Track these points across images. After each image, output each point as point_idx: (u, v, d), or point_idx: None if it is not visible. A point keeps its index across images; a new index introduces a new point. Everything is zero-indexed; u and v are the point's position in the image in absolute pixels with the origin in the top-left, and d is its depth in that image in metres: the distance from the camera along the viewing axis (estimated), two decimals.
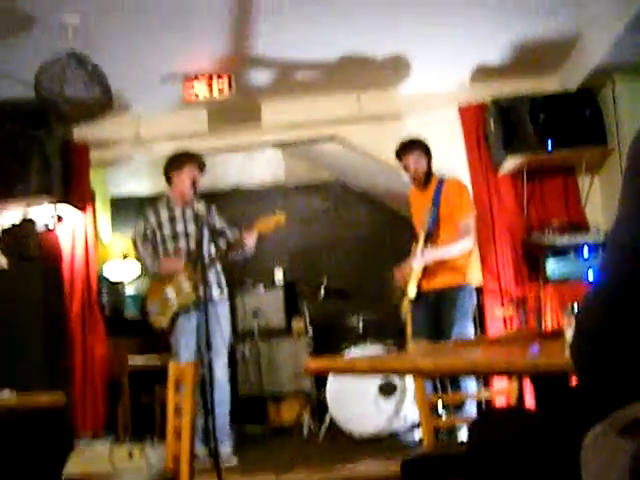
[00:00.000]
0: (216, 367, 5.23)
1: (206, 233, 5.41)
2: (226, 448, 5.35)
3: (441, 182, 5.35)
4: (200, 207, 5.48)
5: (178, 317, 5.44)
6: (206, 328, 5.06)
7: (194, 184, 5.45)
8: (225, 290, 5.60)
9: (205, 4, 4.68)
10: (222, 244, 5.60)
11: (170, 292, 5.47)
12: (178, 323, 5.44)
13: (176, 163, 5.59)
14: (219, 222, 5.65)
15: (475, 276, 5.34)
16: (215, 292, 5.49)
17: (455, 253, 5.18)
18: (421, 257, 5.16)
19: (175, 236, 5.53)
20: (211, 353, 5.01)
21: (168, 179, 5.63)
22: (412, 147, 5.37)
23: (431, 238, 5.23)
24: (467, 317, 5.21)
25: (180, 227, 5.54)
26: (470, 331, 5.22)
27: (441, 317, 5.22)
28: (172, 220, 5.55)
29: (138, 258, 5.63)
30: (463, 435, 4.99)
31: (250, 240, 5.44)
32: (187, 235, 5.52)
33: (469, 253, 5.25)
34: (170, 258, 5.49)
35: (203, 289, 5.13)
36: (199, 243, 5.30)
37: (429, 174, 5.39)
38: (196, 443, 5.11)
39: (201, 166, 5.58)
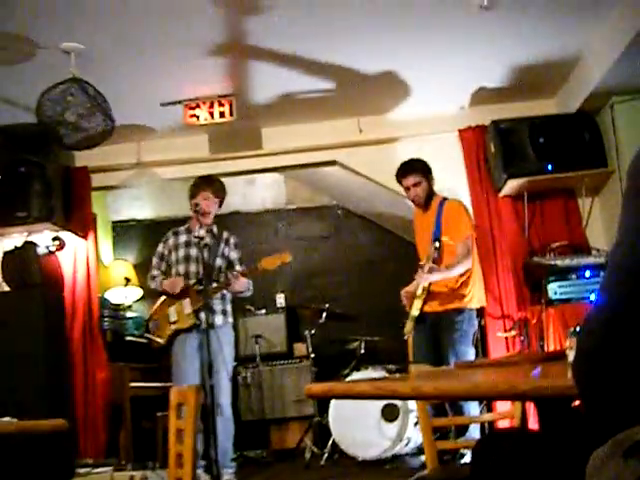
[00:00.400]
0: (219, 393, 5.25)
1: (218, 261, 5.52)
2: (229, 475, 5.32)
3: (442, 203, 5.36)
4: (207, 236, 5.48)
5: (177, 339, 5.45)
6: (208, 353, 5.08)
7: (196, 209, 5.50)
8: (230, 318, 5.60)
9: (206, 32, 4.72)
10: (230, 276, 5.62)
11: (172, 313, 5.49)
12: (178, 345, 5.44)
13: (193, 190, 5.65)
14: (233, 254, 5.67)
15: (477, 298, 5.30)
16: (218, 318, 5.48)
17: (454, 275, 5.19)
18: (428, 275, 5.13)
19: (187, 259, 5.57)
20: (212, 379, 5.01)
21: (191, 208, 5.69)
22: (410, 170, 5.37)
23: (435, 260, 5.22)
24: (466, 340, 5.18)
25: (194, 251, 5.57)
26: (470, 354, 5.19)
27: (440, 340, 5.21)
28: (188, 244, 5.61)
29: (151, 276, 5.67)
30: (467, 460, 4.98)
31: (236, 285, 5.43)
32: (198, 260, 5.54)
33: (468, 276, 5.23)
34: (172, 278, 5.52)
35: (205, 314, 5.18)
36: (208, 269, 5.34)
37: (430, 195, 5.39)
38: (198, 470, 5.13)
39: (217, 193, 5.61)
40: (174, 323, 5.47)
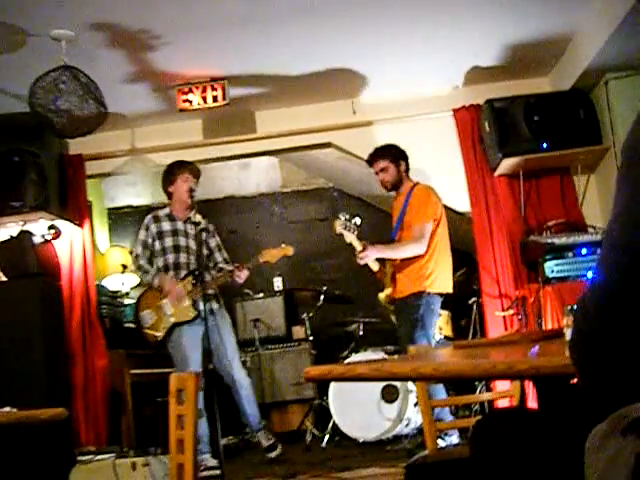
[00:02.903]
0: (234, 371, 5.50)
1: (204, 250, 5.56)
2: (265, 439, 5.68)
3: (412, 189, 5.42)
4: (202, 222, 5.51)
5: (180, 330, 5.45)
6: (208, 339, 5.12)
7: (190, 192, 5.50)
8: (221, 300, 5.71)
9: (198, 17, 4.69)
10: (210, 263, 5.70)
11: (167, 305, 5.50)
12: (180, 337, 5.44)
13: (169, 176, 5.66)
14: (212, 241, 5.72)
15: (438, 283, 5.29)
16: (214, 304, 5.58)
17: (401, 254, 5.29)
18: (365, 252, 5.25)
19: (177, 249, 5.55)
20: (214, 362, 5.09)
21: (168, 194, 5.67)
22: (378, 156, 5.48)
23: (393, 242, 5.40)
24: (421, 325, 5.19)
25: (182, 241, 5.57)
26: (422, 340, 5.14)
27: (400, 324, 5.36)
28: (174, 233, 5.58)
29: (139, 267, 5.62)
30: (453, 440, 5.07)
31: (242, 277, 5.55)
32: (188, 249, 5.55)
33: (428, 260, 5.26)
34: (173, 282, 5.51)
35: (203, 303, 5.22)
36: (201, 259, 5.39)
37: (399, 181, 5.47)
38: (206, 455, 5.20)
39: (194, 173, 5.63)
40: (172, 316, 5.46)
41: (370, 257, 5.32)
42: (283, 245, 5.69)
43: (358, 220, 5.34)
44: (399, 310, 5.39)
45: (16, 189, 5.70)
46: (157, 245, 5.59)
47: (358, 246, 5.30)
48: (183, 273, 5.51)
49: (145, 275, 5.58)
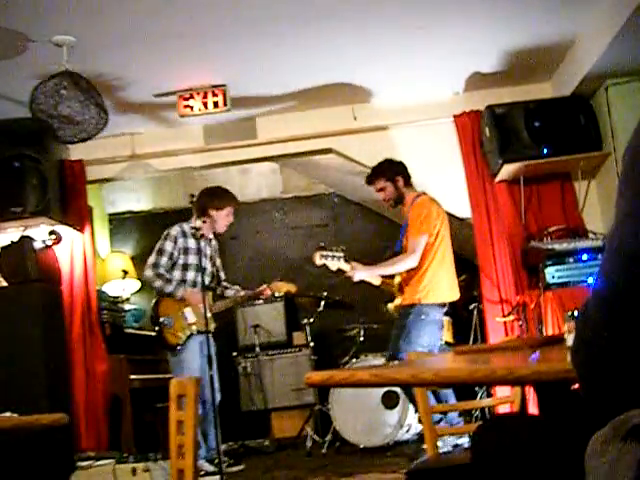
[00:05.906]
0: (216, 385, 5.41)
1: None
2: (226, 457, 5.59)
3: (414, 200, 5.40)
4: (215, 244, 5.84)
5: (193, 339, 5.55)
6: (208, 347, 5.27)
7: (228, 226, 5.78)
8: None
9: (200, 23, 4.70)
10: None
11: (189, 314, 5.58)
12: (195, 345, 5.55)
13: (219, 201, 5.72)
14: (218, 261, 5.96)
15: (433, 293, 5.24)
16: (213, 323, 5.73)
17: (392, 270, 5.33)
18: (352, 272, 5.32)
19: (197, 268, 5.60)
20: (212, 370, 5.10)
21: (204, 213, 5.68)
22: (373, 177, 5.49)
23: (399, 253, 5.41)
24: (408, 336, 5.13)
25: (203, 262, 5.62)
26: (403, 351, 5.02)
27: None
28: (198, 252, 5.56)
29: (158, 274, 5.58)
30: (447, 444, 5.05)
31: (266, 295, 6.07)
32: (205, 270, 5.63)
33: (424, 272, 5.24)
34: (194, 291, 5.57)
35: (205, 316, 5.31)
36: (217, 278, 5.83)
37: (399, 196, 5.45)
38: (201, 461, 5.21)
39: (237, 208, 5.84)
40: (193, 324, 5.54)
41: (357, 277, 5.34)
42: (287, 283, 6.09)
43: (340, 251, 5.38)
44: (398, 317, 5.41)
45: (17, 194, 5.70)
46: (181, 260, 5.65)
47: (346, 267, 5.32)
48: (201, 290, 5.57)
49: (167, 285, 5.55)
